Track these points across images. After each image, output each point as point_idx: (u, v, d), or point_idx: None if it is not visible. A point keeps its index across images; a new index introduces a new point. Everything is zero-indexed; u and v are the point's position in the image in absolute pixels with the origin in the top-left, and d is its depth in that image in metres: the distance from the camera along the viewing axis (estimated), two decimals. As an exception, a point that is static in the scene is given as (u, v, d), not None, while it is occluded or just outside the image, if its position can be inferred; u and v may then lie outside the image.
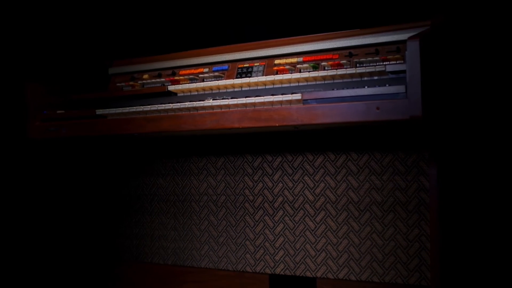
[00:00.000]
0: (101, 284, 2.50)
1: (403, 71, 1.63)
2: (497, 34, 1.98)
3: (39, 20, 2.65)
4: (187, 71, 2.21)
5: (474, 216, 1.92)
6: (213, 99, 1.79)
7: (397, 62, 1.74)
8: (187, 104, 1.79)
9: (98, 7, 2.80)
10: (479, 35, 1.96)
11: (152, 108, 1.87)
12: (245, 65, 2.10)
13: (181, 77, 2.17)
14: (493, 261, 1.95)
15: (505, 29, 1.97)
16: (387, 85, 1.57)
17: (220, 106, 1.75)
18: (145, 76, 2.30)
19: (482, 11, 1.99)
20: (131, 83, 2.31)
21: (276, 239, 2.11)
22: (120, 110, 1.93)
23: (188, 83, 2.10)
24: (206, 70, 2.17)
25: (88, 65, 2.44)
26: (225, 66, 2.14)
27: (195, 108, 1.78)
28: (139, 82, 2.28)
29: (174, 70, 2.25)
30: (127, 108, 1.93)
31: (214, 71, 2.12)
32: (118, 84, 2.34)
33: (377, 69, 1.70)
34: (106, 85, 2.39)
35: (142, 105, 1.92)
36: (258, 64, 2.07)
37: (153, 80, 2.21)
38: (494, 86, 1.97)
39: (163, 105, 1.84)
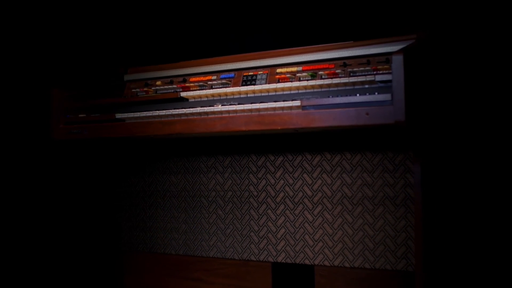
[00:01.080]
0: (119, 273, 2.62)
1: (390, 81, 1.78)
2: (471, 47, 2.18)
3: (62, 33, 2.83)
4: (197, 78, 2.35)
5: (454, 208, 2.10)
6: (222, 105, 1.96)
7: (386, 72, 1.86)
8: (199, 109, 1.96)
9: (113, 19, 2.97)
10: (457, 48, 2.15)
11: (167, 113, 2.02)
12: (249, 73, 2.24)
13: (191, 84, 2.32)
14: (470, 248, 2.14)
15: (478, 43, 2.17)
16: (376, 93, 1.73)
17: (228, 111, 1.91)
18: (158, 82, 2.44)
19: (458, 27, 2.19)
20: (145, 89, 2.44)
21: (278, 230, 2.26)
22: (138, 114, 2.09)
23: (198, 90, 2.24)
24: (214, 77, 2.31)
25: (105, 72, 2.59)
26: (232, 74, 2.28)
27: (206, 113, 1.95)
28: (152, 88, 2.41)
29: (184, 77, 2.39)
30: (144, 112, 2.09)
31: (221, 79, 2.27)
32: (133, 90, 2.48)
33: (367, 79, 1.85)
34: (122, 91, 2.53)
35: (158, 110, 2.07)
36: (261, 72, 2.22)
37: (166, 87, 2.36)
38: (470, 92, 2.16)
39: (177, 110, 2.01)
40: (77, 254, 2.64)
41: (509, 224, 2.12)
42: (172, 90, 2.32)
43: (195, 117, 1.96)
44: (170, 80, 2.42)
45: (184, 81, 2.38)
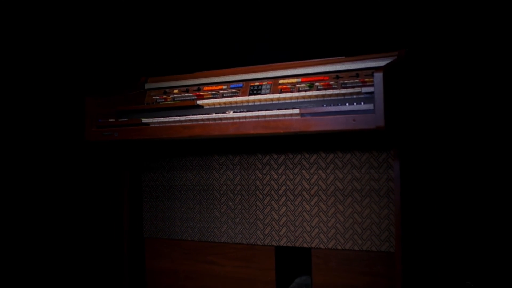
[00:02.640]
0: (141, 257, 2.79)
1: (373, 92, 2.05)
2: (442, 63, 2.51)
3: (94, 49, 3.16)
4: (210, 88, 2.60)
5: (427, 198, 2.43)
6: (233, 112, 2.24)
7: (371, 84, 2.07)
8: (214, 115, 2.22)
9: (135, 35, 3.28)
10: (431, 63, 2.49)
11: (187, 118, 2.28)
12: (256, 84, 2.50)
13: (205, 92, 2.57)
14: (441, 230, 2.47)
15: (447, 60, 2.50)
16: (362, 103, 2.00)
17: (239, 117, 2.17)
18: (175, 91, 2.69)
19: (430, 47, 2.52)
20: (164, 96, 2.69)
21: (280, 218, 2.47)
22: (161, 119, 2.34)
23: (212, 98, 2.50)
24: (225, 87, 2.56)
25: (129, 81, 2.86)
26: (240, 84, 2.53)
27: (220, 119, 2.21)
28: (171, 96, 2.67)
29: (199, 87, 2.64)
30: (167, 118, 2.33)
31: (231, 88, 2.53)
32: (153, 97, 2.73)
33: (355, 90, 2.12)
34: (143, 98, 2.77)
35: (178, 116, 2.33)
36: (266, 83, 2.48)
37: (182, 95, 2.61)
38: (439, 101, 2.50)
39: (195, 116, 2.27)
40: (105, 241, 2.99)
41: (466, 212, 2.46)
42: (189, 98, 2.56)
43: (210, 122, 2.23)
44: (186, 88, 2.68)
45: (199, 90, 2.64)
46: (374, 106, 1.92)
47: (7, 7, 3.02)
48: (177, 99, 2.63)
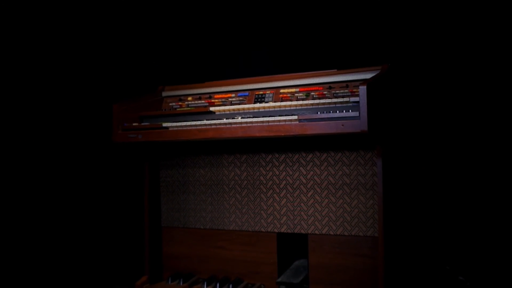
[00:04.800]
0: (159, 243, 3.06)
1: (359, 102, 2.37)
2: (420, 76, 2.89)
3: (119, 64, 3.57)
4: (220, 96, 2.90)
5: (406, 190, 2.78)
6: (241, 117, 2.55)
7: (358, 94, 2.37)
8: (225, 121, 2.53)
9: (150, 50, 3.67)
10: (410, 76, 2.87)
11: (201, 123, 2.57)
12: (260, 93, 2.80)
13: (215, 100, 2.88)
14: (419, 217, 2.83)
15: (423, 73, 2.88)
16: (350, 110, 2.34)
17: (246, 122, 2.47)
18: (189, 98, 2.99)
19: (409, 62, 2.89)
20: (179, 103, 2.98)
21: (281, 209, 2.73)
22: (179, 123, 2.63)
23: (222, 105, 2.81)
24: (233, 95, 2.86)
25: (148, 90, 3.19)
26: (246, 93, 2.83)
27: (230, 123, 2.51)
28: (185, 102, 2.97)
29: (210, 95, 2.94)
30: (184, 122, 2.63)
31: (239, 96, 2.84)
32: (170, 104, 3.03)
33: (345, 100, 2.45)
34: (160, 104, 3.07)
35: (194, 120, 2.63)
36: (269, 92, 2.78)
37: (195, 102, 2.92)
38: (415, 108, 2.89)
39: (209, 121, 2.57)
40: (127, 229, 3.37)
41: (441, 201, 2.83)
42: (202, 105, 2.87)
43: (222, 126, 2.53)
44: (199, 96, 2.97)
45: (210, 97, 2.94)
46: (359, 113, 2.25)
47: (51, 29, 3.49)
48: (191, 105, 2.95)
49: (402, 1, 3.17)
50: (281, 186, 2.78)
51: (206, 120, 2.65)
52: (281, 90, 2.79)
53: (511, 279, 2.83)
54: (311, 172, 2.72)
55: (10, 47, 3.36)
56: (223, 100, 2.90)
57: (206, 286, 2.83)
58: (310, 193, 2.72)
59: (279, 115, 2.51)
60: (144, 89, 3.32)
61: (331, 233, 2.66)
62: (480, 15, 3.01)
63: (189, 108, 2.91)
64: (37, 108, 3.46)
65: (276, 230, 2.78)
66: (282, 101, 2.73)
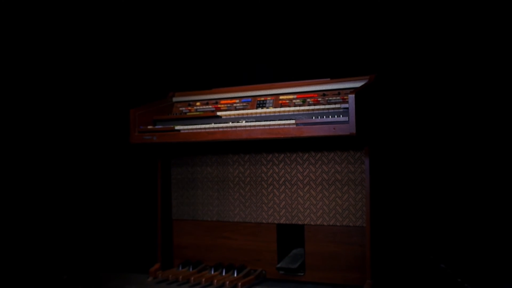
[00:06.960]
0: (171, 234, 3.32)
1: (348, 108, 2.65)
2: (404, 85, 3.22)
3: (134, 74, 3.98)
4: (225, 101, 3.18)
5: (392, 185, 3.10)
6: (245, 121, 2.85)
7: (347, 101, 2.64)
8: (231, 124, 2.81)
9: (161, 60, 4.02)
10: (395, 85, 3.20)
11: (210, 126, 2.86)
12: (261, 99, 3.08)
13: (221, 105, 3.17)
14: (402, 209, 3.15)
15: (406, 82, 3.21)
16: (341, 115, 2.63)
17: (250, 126, 2.76)
18: (198, 103, 3.28)
19: (394, 72, 3.22)
20: (188, 108, 3.27)
21: (280, 202, 2.98)
22: (190, 126, 2.92)
23: (227, 110, 3.10)
24: (237, 101, 3.14)
25: (159, 96, 3.50)
26: (249, 99, 3.11)
27: (235, 127, 2.79)
28: (194, 107, 3.26)
29: (216, 100, 3.22)
30: (194, 125, 2.92)
31: (242, 102, 3.12)
32: (180, 108, 3.32)
33: (337, 106, 2.75)
34: (171, 109, 3.36)
35: (203, 124, 2.92)
36: (269, 98, 3.06)
37: (203, 107, 3.22)
38: (399, 113, 3.21)
39: (217, 124, 2.85)
40: (143, 222, 3.72)
41: (423, 195, 3.16)
42: (209, 110, 3.16)
43: (228, 129, 2.83)
44: (206, 102, 3.26)
45: (216, 103, 3.23)
46: (348, 118, 2.56)
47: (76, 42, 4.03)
48: (199, 110, 3.25)
49: (389, 18, 3.50)
50: (281, 182, 3.02)
51: (214, 123, 2.93)
52: (281, 97, 3.07)
53: (491, 267, 3.14)
54: (307, 170, 2.96)
55: (46, 63, 4.00)
56: (228, 105, 3.19)
57: (213, 272, 3.11)
58: (306, 188, 2.97)
59: (279, 120, 2.79)
60: (155, 95, 3.60)
61: (325, 223, 2.90)
62: (456, 30, 3.35)
63: (197, 113, 3.19)
64: (68, 115, 4.11)
65: (276, 222, 3.02)
66: (281, 106, 3.02)
